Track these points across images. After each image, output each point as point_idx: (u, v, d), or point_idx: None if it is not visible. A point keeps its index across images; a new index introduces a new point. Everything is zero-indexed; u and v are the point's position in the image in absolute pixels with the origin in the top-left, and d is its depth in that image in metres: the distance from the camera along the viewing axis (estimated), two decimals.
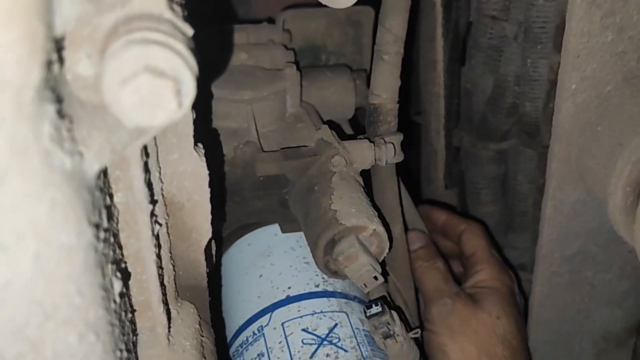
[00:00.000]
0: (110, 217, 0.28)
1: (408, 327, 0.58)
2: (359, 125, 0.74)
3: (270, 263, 0.61)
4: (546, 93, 0.63)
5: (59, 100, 0.23)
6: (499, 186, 0.75)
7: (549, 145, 0.56)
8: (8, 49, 0.19)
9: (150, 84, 0.23)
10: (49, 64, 0.21)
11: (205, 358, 0.41)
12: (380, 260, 0.55)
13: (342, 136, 0.62)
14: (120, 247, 0.31)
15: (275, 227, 0.63)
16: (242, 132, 0.63)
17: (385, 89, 0.62)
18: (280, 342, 0.54)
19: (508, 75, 0.65)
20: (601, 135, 0.52)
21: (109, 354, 0.27)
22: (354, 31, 0.75)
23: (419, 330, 0.57)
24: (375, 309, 0.54)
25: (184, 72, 0.24)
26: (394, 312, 0.55)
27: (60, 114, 0.23)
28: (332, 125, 0.63)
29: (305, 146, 0.62)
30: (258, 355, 0.54)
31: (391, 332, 0.53)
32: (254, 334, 0.56)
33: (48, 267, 0.22)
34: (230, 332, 0.59)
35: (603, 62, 0.51)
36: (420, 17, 0.71)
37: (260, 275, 0.60)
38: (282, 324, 0.55)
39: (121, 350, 0.29)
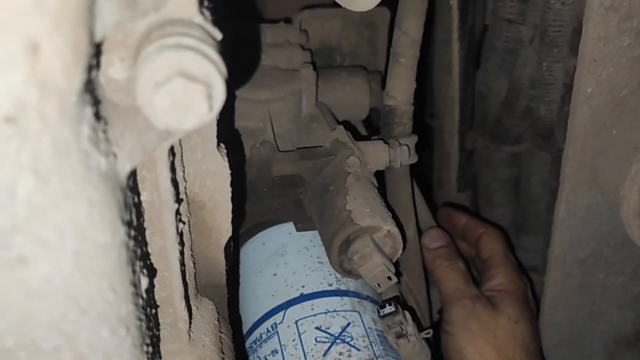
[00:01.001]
0: (138, 215, 0.29)
1: (420, 327, 0.58)
2: (373, 126, 0.75)
3: (285, 262, 0.61)
4: (561, 97, 0.63)
5: (96, 102, 0.24)
6: (511, 189, 0.75)
7: (563, 149, 0.56)
8: (56, 56, 0.19)
9: (182, 88, 0.24)
10: (89, 69, 0.22)
11: (223, 354, 0.42)
12: (394, 261, 0.55)
13: (357, 137, 0.63)
14: (146, 245, 0.32)
15: (290, 226, 0.64)
16: (259, 131, 0.64)
17: (400, 91, 0.62)
18: (294, 340, 0.55)
19: (523, 79, 0.66)
20: (616, 139, 0.52)
21: (137, 348, 0.28)
22: (370, 32, 0.76)
23: (431, 330, 0.58)
24: (388, 309, 0.54)
25: (215, 76, 0.25)
26: (406, 312, 0.55)
27: (97, 116, 0.24)
28: (347, 125, 0.63)
29: (321, 146, 0.62)
30: (272, 352, 0.55)
31: (404, 332, 0.54)
32: (268, 331, 0.57)
33: (85, 264, 0.23)
34: (244, 328, 0.60)
35: (619, 66, 0.51)
36: (436, 20, 0.72)
37: (275, 274, 0.61)
38: (296, 322, 0.56)
39: (147, 345, 0.30)
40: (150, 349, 0.30)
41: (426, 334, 0.57)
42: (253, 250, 0.64)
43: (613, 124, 0.52)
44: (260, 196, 0.63)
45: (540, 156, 0.69)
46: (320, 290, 0.58)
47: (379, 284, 0.54)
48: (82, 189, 0.22)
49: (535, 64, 0.64)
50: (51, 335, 0.23)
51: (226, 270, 0.45)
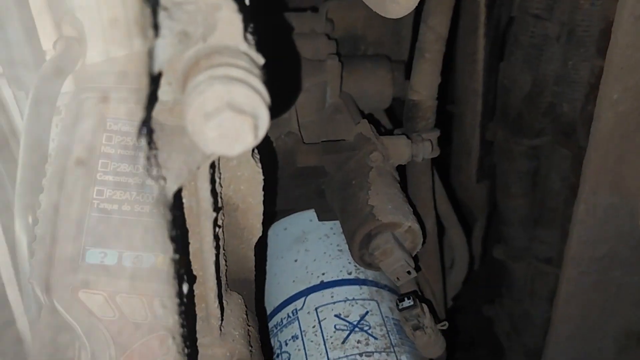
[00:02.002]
0: (182, 227, 0.31)
1: (437, 319, 0.60)
2: (395, 115, 0.76)
3: (305, 249, 0.63)
4: (585, 95, 0.63)
5: (149, 132, 0.25)
6: (529, 181, 0.76)
7: (585, 150, 0.57)
8: (121, 103, 0.21)
9: (231, 120, 0.25)
10: (148, 107, 0.23)
11: (251, 347, 0.44)
12: (413, 255, 0.57)
13: (380, 130, 0.63)
14: (188, 253, 0.33)
15: (311, 213, 0.65)
16: (284, 122, 0.65)
17: (425, 86, 0.63)
18: (314, 327, 0.57)
19: (547, 75, 0.66)
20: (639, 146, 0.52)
21: (181, 353, 0.30)
22: (394, 22, 0.75)
23: (446, 322, 0.60)
24: (407, 303, 0.56)
25: (262, 108, 0.26)
26: (424, 305, 0.57)
27: (151, 144, 0.25)
28: (371, 119, 0.64)
29: (344, 140, 0.63)
30: (292, 337, 0.58)
31: (421, 325, 0.56)
32: (289, 316, 0.59)
33: (140, 286, 0.24)
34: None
35: None
36: (461, 10, 0.71)
37: (296, 260, 0.62)
38: (316, 309, 0.58)
39: (188, 346, 0.32)
40: (190, 350, 0.32)
41: (442, 325, 0.59)
42: (275, 236, 0.66)
43: (637, 130, 0.53)
44: (282, 185, 0.64)
45: (560, 152, 0.69)
46: (340, 278, 0.60)
47: (398, 278, 0.56)
48: (138, 217, 0.24)
49: (561, 61, 0.64)
50: (108, 347, 0.25)
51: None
